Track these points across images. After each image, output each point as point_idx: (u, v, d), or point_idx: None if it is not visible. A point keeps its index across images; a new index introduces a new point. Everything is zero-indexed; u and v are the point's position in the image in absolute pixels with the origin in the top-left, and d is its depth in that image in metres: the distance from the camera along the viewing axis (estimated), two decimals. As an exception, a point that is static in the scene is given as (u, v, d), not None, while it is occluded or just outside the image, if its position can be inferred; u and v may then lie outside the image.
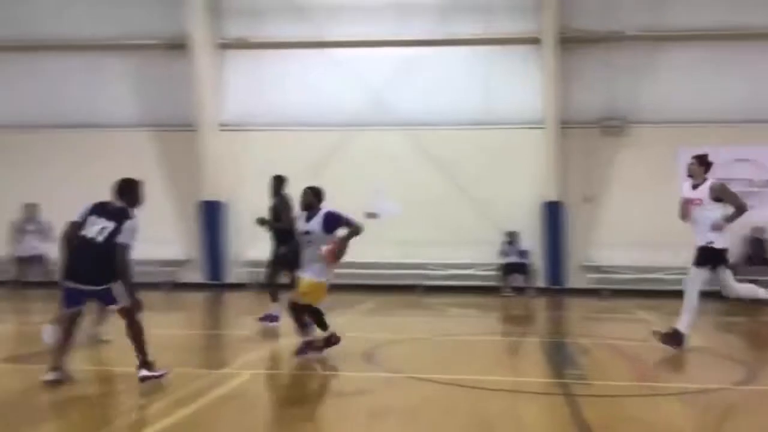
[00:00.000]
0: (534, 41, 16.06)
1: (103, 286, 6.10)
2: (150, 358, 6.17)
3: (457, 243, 15.92)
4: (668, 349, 7.92)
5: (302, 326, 7.42)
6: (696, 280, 8.01)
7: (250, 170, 16.55)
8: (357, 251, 16.14)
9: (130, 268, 6.13)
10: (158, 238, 16.62)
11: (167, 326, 9.33)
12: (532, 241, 15.86)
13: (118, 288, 6.13)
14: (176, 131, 16.63)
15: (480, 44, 16.38)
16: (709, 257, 7.94)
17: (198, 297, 15.39)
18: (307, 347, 7.39)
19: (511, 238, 15.56)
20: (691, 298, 8.00)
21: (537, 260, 15.87)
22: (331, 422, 5.29)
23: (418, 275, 16.08)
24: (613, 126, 15.98)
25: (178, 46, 16.41)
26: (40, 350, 6.81)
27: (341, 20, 16.60)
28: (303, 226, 7.46)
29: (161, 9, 16.62)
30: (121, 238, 6.07)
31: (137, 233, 6.18)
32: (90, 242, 6.08)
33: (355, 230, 7.34)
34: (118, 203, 6.31)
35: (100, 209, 6.23)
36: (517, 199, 16.08)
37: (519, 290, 15.26)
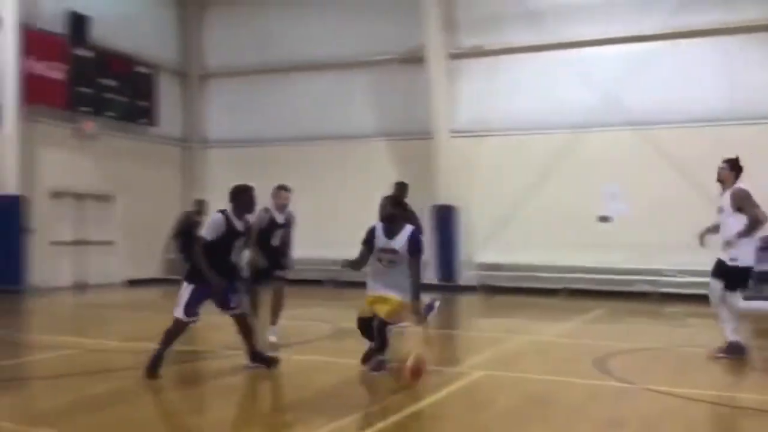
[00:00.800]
0: (789, 26, 14.61)
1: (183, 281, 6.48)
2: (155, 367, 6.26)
3: (697, 248, 14.88)
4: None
5: (385, 344, 6.78)
6: (718, 295, 7.69)
7: (480, 175, 16.96)
8: (586, 256, 15.88)
9: (199, 255, 6.32)
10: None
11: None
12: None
13: (181, 292, 6.43)
14: (412, 139, 17.52)
15: (722, 34, 15.21)
16: (732, 277, 7.56)
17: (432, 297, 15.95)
18: (381, 364, 6.81)
19: (766, 243, 14.16)
20: (730, 309, 7.64)
21: (795, 268, 14.33)
22: (563, 428, 5.31)
23: (652, 281, 15.31)
24: None
25: (414, 59, 17.28)
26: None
27: (573, 21, 16.38)
28: (384, 242, 6.54)
29: (399, 26, 17.69)
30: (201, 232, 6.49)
31: (212, 227, 6.38)
32: None
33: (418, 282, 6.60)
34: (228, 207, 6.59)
35: None
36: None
37: (774, 301, 13.87)
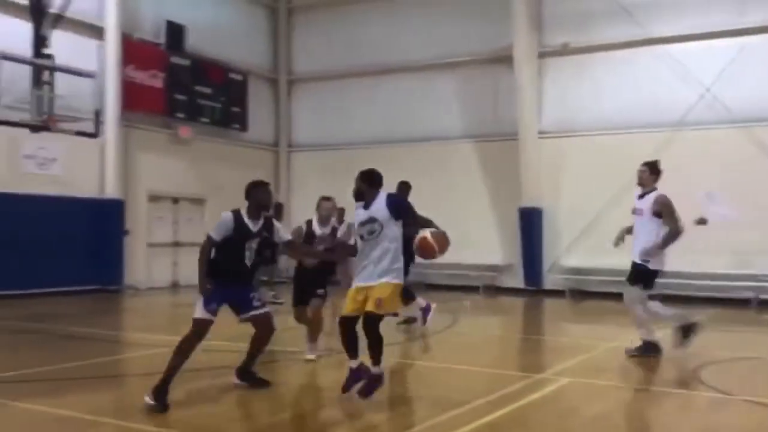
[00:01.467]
0: None
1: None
2: (166, 389, 5.60)
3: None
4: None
5: (354, 347, 5.92)
6: (634, 298, 7.87)
7: (567, 176, 16.60)
8: (683, 260, 15.24)
9: (202, 255, 5.91)
10: (481, 244, 17.55)
11: (487, 328, 9.72)
12: None
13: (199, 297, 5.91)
14: (498, 141, 17.34)
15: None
16: (641, 276, 7.82)
17: (517, 302, 15.74)
18: (357, 374, 5.93)
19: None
20: (638, 315, 7.89)
21: None
22: (652, 438, 5.12)
23: (754, 288, 14.54)
24: None
25: (500, 59, 17.12)
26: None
27: (666, 15, 15.80)
28: (362, 214, 5.92)
29: (485, 26, 17.59)
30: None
31: (219, 226, 5.90)
32: None
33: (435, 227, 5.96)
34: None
35: None
36: None
37: None
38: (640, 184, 8.03)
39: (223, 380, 6.41)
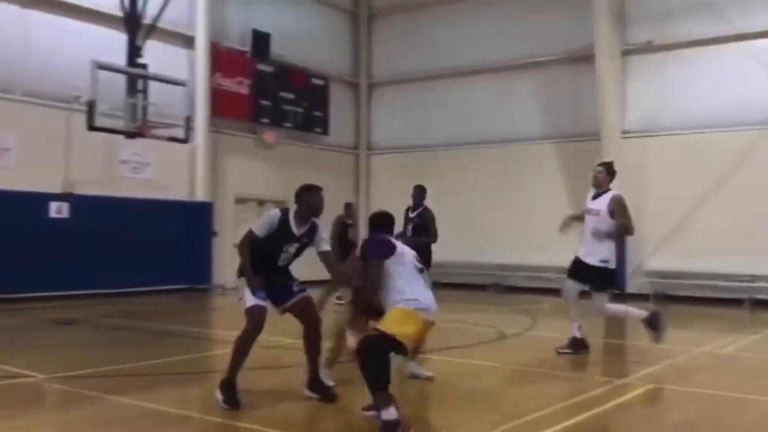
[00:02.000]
0: None
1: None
2: (233, 388, 5.55)
3: None
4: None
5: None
6: (603, 302, 8.08)
7: (651, 177, 16.17)
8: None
9: (243, 247, 5.76)
10: (561, 246, 17.13)
11: (566, 331, 9.61)
12: None
13: (241, 292, 5.78)
14: (579, 141, 17.05)
15: None
16: (609, 280, 8.01)
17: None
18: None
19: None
20: (617, 310, 8.32)
21: None
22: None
23: None
24: None
25: (581, 58, 16.84)
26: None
27: (757, 9, 15.23)
28: None
29: (565, 25, 17.39)
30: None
31: (264, 223, 5.74)
32: None
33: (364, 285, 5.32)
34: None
35: None
36: None
37: None
38: (596, 185, 8.09)
39: (300, 378, 6.54)
